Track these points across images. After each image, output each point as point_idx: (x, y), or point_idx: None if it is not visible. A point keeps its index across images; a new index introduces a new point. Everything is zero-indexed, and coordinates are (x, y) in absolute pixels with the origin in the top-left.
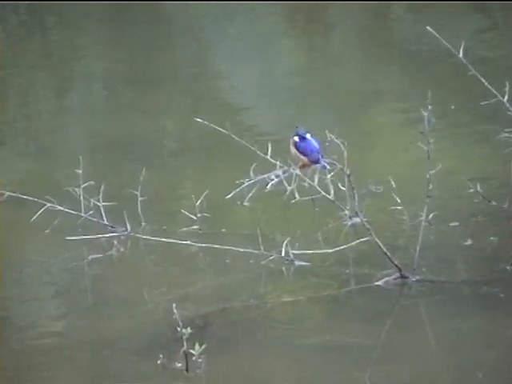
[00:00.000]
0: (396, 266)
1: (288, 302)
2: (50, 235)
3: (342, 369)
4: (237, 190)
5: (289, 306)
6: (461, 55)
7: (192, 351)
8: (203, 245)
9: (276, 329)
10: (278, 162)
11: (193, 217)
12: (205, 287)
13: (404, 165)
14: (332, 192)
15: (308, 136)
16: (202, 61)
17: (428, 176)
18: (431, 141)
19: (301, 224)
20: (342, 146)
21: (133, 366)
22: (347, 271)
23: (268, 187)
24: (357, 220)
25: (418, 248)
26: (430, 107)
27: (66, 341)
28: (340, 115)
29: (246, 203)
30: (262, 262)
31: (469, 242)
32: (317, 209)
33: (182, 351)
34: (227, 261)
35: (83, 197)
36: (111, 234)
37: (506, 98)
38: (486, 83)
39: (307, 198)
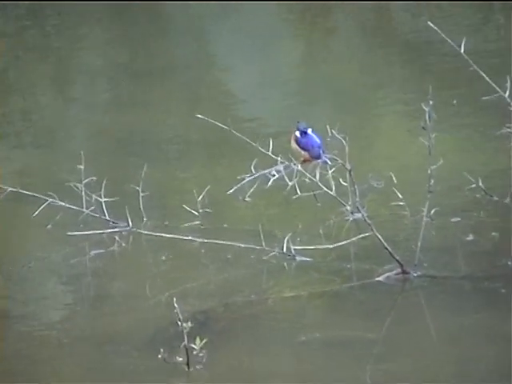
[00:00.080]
0: (397, 261)
1: (289, 298)
2: (52, 231)
3: (343, 364)
4: (238, 185)
5: (290, 301)
6: (462, 50)
7: (193, 345)
8: (205, 240)
9: (277, 324)
10: (279, 158)
11: (194, 212)
12: (206, 283)
13: (405, 160)
14: (333, 187)
15: (309, 131)
16: (203, 59)
17: (429, 171)
18: (432, 136)
19: (302, 219)
20: (343, 141)
21: (134, 361)
22: (349, 267)
23: (270, 183)
24: (358, 215)
25: (419, 243)
26: (431, 102)
27: (67, 335)
28: (341, 110)
29: (247, 199)
30: (264, 258)
31: (470, 237)
32: (318, 204)
33: (182, 345)
34: (229, 256)
35: (85, 192)
36: (113, 230)
37: (508, 93)
38: (487, 78)
39: (309, 194)
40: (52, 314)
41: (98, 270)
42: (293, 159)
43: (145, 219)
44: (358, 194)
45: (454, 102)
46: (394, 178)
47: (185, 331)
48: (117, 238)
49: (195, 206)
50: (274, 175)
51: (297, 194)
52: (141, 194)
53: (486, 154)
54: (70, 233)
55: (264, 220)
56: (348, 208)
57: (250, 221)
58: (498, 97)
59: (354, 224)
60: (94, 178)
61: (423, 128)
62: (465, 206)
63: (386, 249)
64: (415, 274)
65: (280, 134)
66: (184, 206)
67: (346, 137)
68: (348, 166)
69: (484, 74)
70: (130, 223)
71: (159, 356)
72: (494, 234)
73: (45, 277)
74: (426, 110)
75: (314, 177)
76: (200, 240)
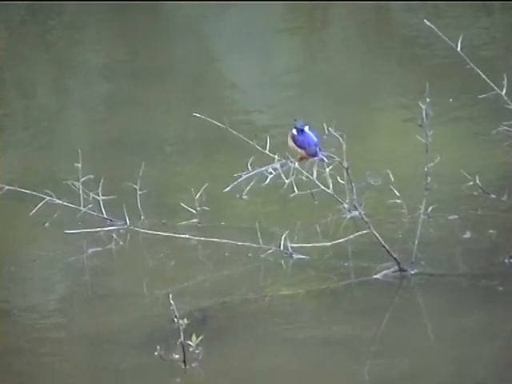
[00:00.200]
0: (395, 259)
1: (287, 296)
2: (50, 229)
3: (340, 362)
4: (234, 183)
5: (287, 299)
6: (459, 49)
7: (189, 342)
8: (202, 238)
9: (275, 322)
10: (276, 156)
11: (192, 210)
12: (204, 281)
13: (403, 158)
14: (331, 185)
15: (306, 129)
16: (202, 57)
17: (426, 169)
18: (429, 133)
19: (300, 217)
20: (340, 139)
21: (131, 359)
22: (346, 264)
23: (267, 181)
24: (355, 213)
25: (416, 241)
26: (428, 100)
27: (65, 334)
28: (339, 108)
29: (244, 196)
30: (261, 256)
31: (468, 234)
32: (316, 202)
33: (179, 342)
34: (226, 254)
35: (82, 190)
36: (110, 228)
37: (504, 91)
38: (484, 76)
39: (306, 192)
40: (49, 311)
41: (95, 268)
42: (290, 157)
43: (142, 217)
44: (355, 191)
45: (451, 99)
46: (391, 176)
47: (181, 328)
48: (114, 236)
49: (193, 203)
50: (270, 173)
51: (294, 191)
52: (138, 192)
53: (483, 151)
54: (67, 231)
55: (261, 218)
56: (345, 206)
57: (247, 218)
58: (495, 95)
59: (351, 222)
60: (92, 177)
61: (420, 125)
62: (462, 203)
63: (384, 246)
64: (412, 272)
65: (278, 133)
66: (181, 204)
67: (343, 134)
68: (345, 164)
69: (481, 72)
70: (128, 221)
71: (156, 353)
72: (491, 231)
73: (42, 275)
74: (423, 107)
75: (312, 175)
76: (197, 238)
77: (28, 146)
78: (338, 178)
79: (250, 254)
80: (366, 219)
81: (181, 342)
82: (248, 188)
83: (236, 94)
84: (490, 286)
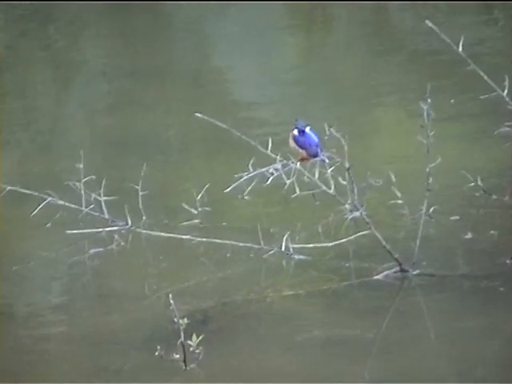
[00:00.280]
0: (396, 259)
1: (288, 296)
2: (51, 229)
3: (341, 362)
4: (235, 183)
5: (289, 299)
6: (460, 49)
7: (190, 342)
8: (204, 239)
9: (276, 323)
10: (277, 156)
11: (193, 211)
12: (205, 281)
13: (404, 158)
14: (332, 186)
15: (307, 130)
16: (202, 57)
17: (428, 169)
18: (431, 134)
19: (301, 218)
20: (342, 139)
21: (131, 359)
22: (347, 265)
23: (268, 181)
24: (357, 214)
25: (418, 242)
26: (429, 100)
27: (66, 334)
28: (339, 108)
29: (245, 197)
30: (263, 256)
31: (469, 235)
32: (317, 203)
33: (179, 342)
34: (227, 255)
35: (84, 191)
36: (112, 228)
37: (506, 92)
38: (486, 77)
39: (307, 193)
40: (50, 311)
41: (97, 269)
42: (291, 157)
43: (144, 218)
44: (356, 192)
45: (452, 100)
46: (392, 177)
47: (181, 328)
48: (116, 236)
49: (194, 204)
50: (272, 173)
51: (295, 192)
52: (140, 193)
53: (485, 152)
54: (69, 231)
55: (263, 218)
56: (347, 206)
57: (248, 219)
58: (496, 96)
59: (352, 222)
60: (94, 177)
61: (421, 126)
62: (464, 204)
63: (385, 247)
64: (414, 273)
65: (278, 132)
66: (183, 204)
67: (344, 135)
68: (347, 165)
69: (482, 73)
70: (129, 222)
71: (156, 353)
72: (492, 232)
73: (44, 275)
74: (424, 108)
75: (313, 175)
76: (199, 239)
77: (29, 146)
78: (340, 178)
79: (251, 255)
80: (368, 220)
81: (181, 342)
82: (249, 188)
83: (236, 93)
84: (491, 287)
